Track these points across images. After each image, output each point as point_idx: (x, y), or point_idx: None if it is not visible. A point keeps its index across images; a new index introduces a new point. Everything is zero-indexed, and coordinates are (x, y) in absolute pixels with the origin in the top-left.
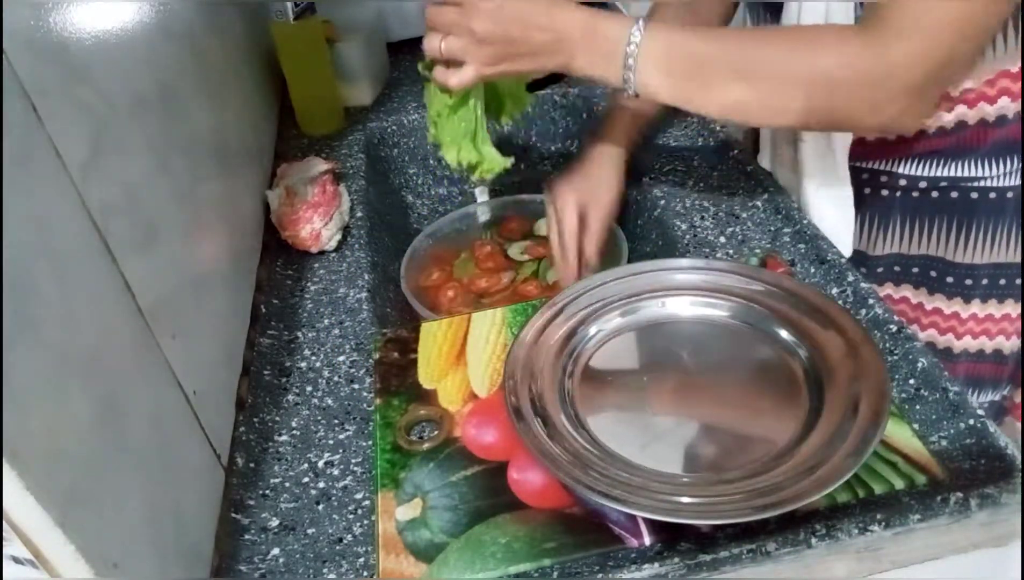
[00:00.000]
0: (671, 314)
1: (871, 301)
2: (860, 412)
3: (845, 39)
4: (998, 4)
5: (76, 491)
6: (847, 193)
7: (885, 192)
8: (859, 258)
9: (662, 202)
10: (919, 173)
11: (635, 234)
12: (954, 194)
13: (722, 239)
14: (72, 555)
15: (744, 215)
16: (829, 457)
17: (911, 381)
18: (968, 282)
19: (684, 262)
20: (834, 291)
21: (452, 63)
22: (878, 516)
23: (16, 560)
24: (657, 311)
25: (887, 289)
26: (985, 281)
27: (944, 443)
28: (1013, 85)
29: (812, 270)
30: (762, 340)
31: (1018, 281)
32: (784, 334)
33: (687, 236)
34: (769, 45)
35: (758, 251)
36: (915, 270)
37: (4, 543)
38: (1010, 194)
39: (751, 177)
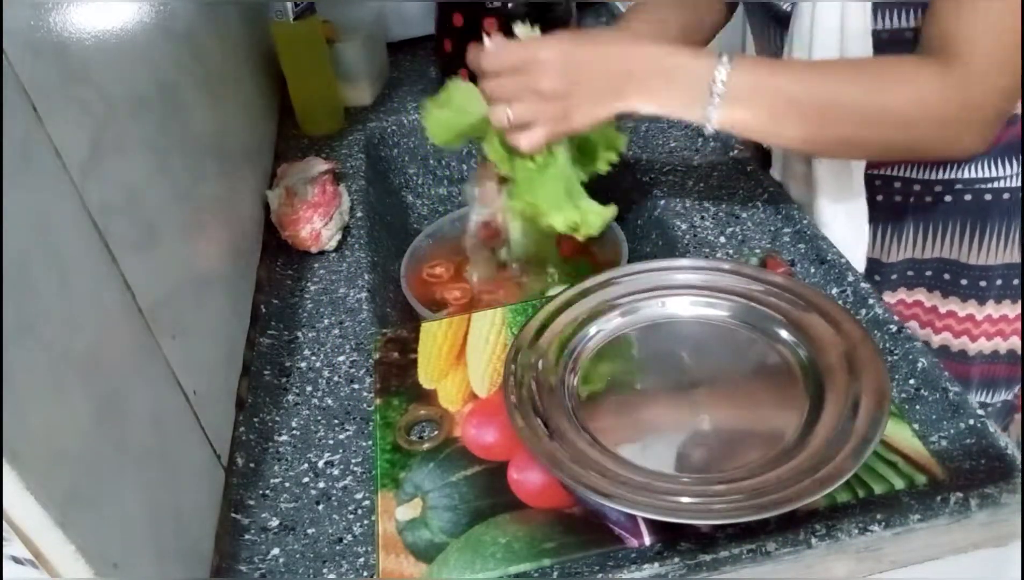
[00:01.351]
0: (671, 314)
1: (871, 301)
2: (860, 412)
3: (923, 77)
4: None
5: (76, 491)
6: (862, 207)
7: (899, 198)
8: (873, 266)
9: (662, 202)
10: (933, 177)
11: (635, 234)
12: (968, 197)
13: (722, 239)
14: (72, 555)
15: (744, 215)
16: (829, 457)
17: (911, 381)
18: (982, 284)
19: (684, 262)
20: (834, 291)
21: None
22: (878, 516)
23: (16, 560)
24: (657, 311)
25: (900, 294)
26: (999, 281)
27: (944, 443)
28: None
29: (812, 270)
30: (762, 340)
31: None
32: (784, 334)
33: (687, 236)
34: (851, 83)
35: (758, 251)
36: (928, 274)
37: (4, 543)
38: (1022, 194)
39: (751, 177)
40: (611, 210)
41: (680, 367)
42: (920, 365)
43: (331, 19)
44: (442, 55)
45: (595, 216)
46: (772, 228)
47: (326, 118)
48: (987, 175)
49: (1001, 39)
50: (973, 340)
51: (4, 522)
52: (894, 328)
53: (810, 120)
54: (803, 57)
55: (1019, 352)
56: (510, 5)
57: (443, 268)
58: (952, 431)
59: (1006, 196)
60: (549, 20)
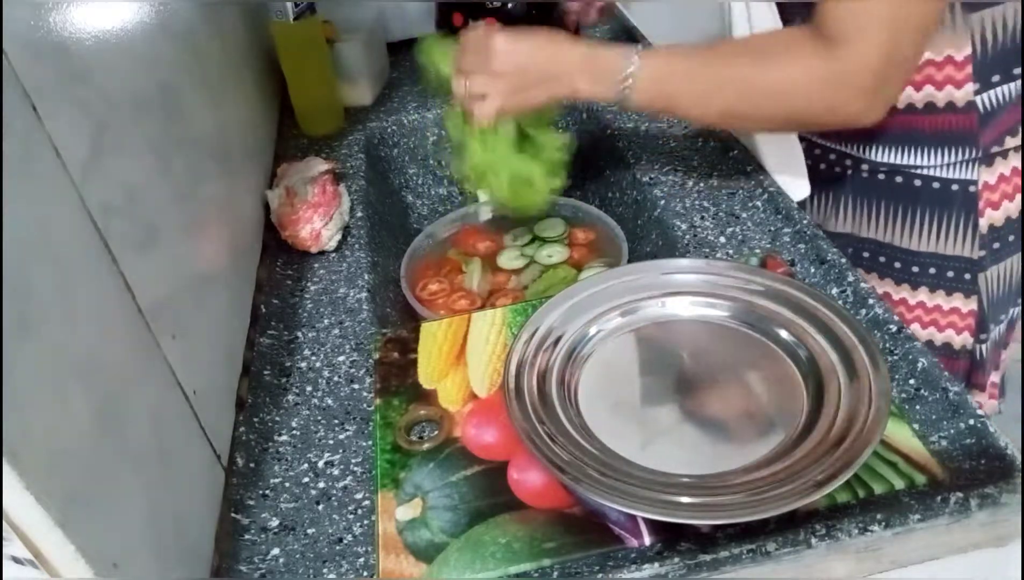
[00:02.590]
0: (671, 314)
1: (871, 301)
2: (860, 412)
3: (800, 47)
4: (930, 3)
5: (76, 491)
6: (799, 159)
7: (837, 169)
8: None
9: (662, 202)
10: (864, 156)
11: (635, 234)
12: (898, 179)
13: (722, 239)
14: (72, 555)
15: (744, 215)
16: (829, 457)
17: (911, 381)
18: (914, 269)
19: (684, 262)
20: (834, 291)
21: (476, 100)
22: (878, 516)
23: (16, 560)
24: (657, 311)
25: None
26: (932, 270)
27: (944, 443)
28: (937, 74)
29: (812, 270)
30: (762, 340)
31: (966, 276)
32: (784, 334)
33: (687, 236)
34: (739, 59)
35: (758, 251)
36: (866, 255)
37: (4, 543)
38: (955, 187)
39: (751, 177)
40: (562, 138)
41: (680, 367)
42: (920, 365)
43: (331, 19)
44: None
45: (540, 193)
46: (772, 228)
47: (326, 118)
48: (915, 162)
49: (871, 13)
50: (907, 325)
51: (4, 522)
52: (894, 328)
53: (701, 96)
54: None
55: (955, 346)
56: (510, 5)
57: (437, 284)
58: (952, 431)
59: (936, 185)
60: (549, 20)
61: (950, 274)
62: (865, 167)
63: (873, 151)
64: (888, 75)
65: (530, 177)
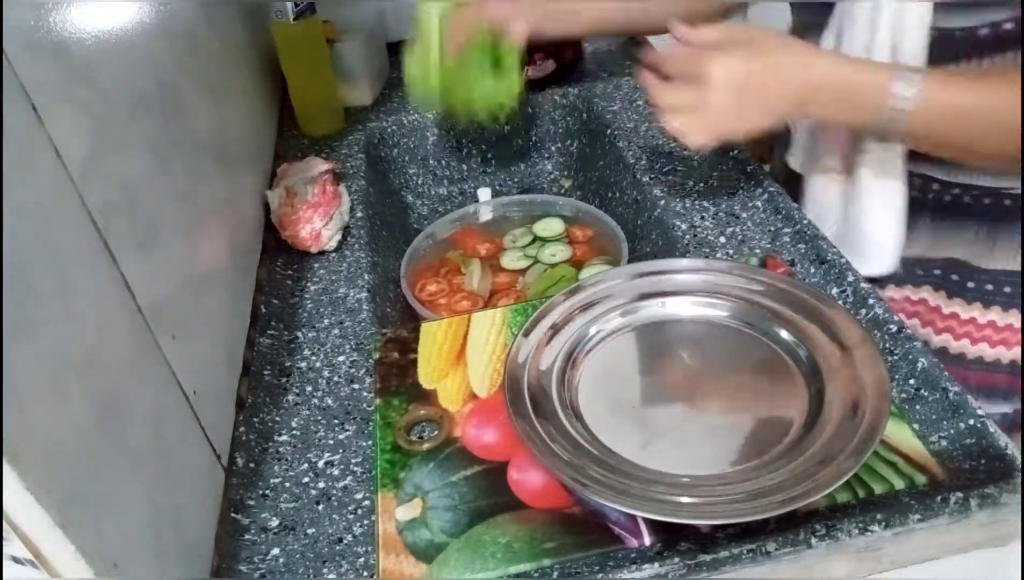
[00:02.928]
0: (671, 314)
1: (871, 301)
2: (860, 412)
3: None
4: None
5: (76, 491)
6: (901, 202)
7: (916, 193)
8: None
9: (662, 202)
10: (959, 180)
11: (635, 234)
12: (987, 201)
13: (722, 239)
14: (72, 555)
15: (744, 215)
16: (829, 457)
17: (911, 381)
18: (989, 287)
19: (684, 262)
20: (834, 291)
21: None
22: (878, 516)
23: (16, 560)
24: (657, 311)
25: (906, 290)
26: (1007, 289)
27: (944, 443)
28: None
29: (812, 270)
30: (762, 340)
31: None
32: (784, 334)
33: (687, 236)
34: (1013, 92)
35: (758, 251)
36: (937, 273)
37: (4, 543)
38: None
39: (751, 177)
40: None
41: (680, 367)
42: (920, 365)
43: (331, 19)
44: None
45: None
46: (772, 228)
47: (326, 118)
48: (1009, 184)
49: None
50: (974, 343)
51: (4, 522)
52: (894, 328)
53: (986, 138)
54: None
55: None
56: None
57: (435, 285)
58: (952, 431)
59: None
60: None
61: None
62: (956, 190)
63: (972, 176)
64: None
65: (495, 94)
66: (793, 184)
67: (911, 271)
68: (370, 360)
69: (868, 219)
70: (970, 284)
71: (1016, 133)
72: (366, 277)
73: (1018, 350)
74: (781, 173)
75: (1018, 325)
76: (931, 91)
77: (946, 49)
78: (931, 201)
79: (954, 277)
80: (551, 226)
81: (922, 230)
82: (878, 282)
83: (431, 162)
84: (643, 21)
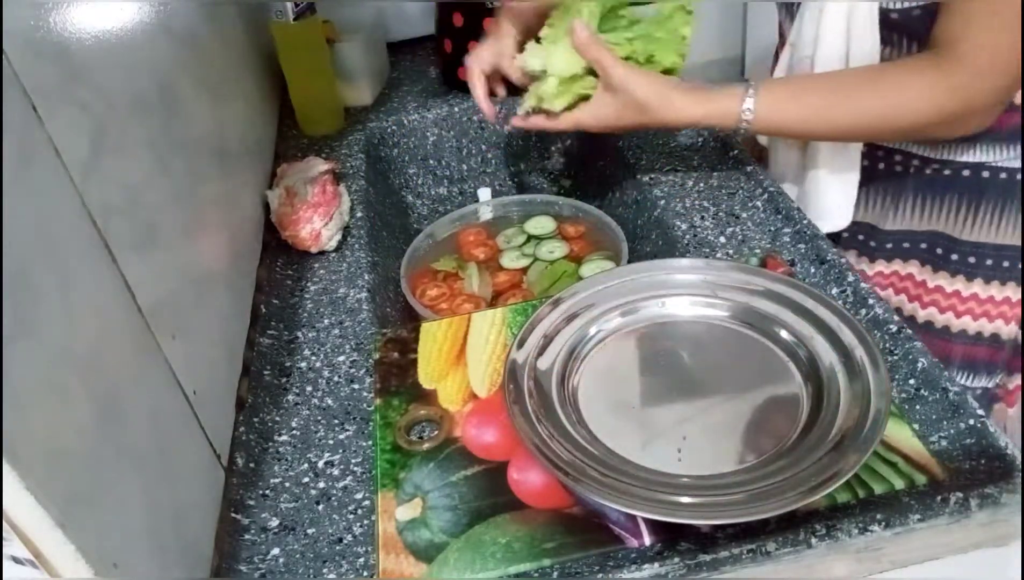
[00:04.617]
0: (671, 314)
1: (871, 301)
2: (860, 412)
3: (929, 82)
4: None
5: (76, 491)
6: (855, 177)
7: (899, 168)
8: (870, 231)
9: (662, 202)
10: (938, 156)
11: (635, 234)
12: (966, 173)
13: (722, 239)
14: (72, 555)
15: (744, 215)
16: (829, 457)
17: (911, 381)
18: (971, 260)
19: (684, 262)
20: (834, 291)
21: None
22: (878, 516)
23: (16, 560)
24: (657, 311)
25: (895, 265)
26: (989, 261)
27: (944, 443)
28: None
29: (812, 270)
30: (762, 340)
31: (1021, 265)
32: (784, 334)
33: (687, 236)
34: (864, 95)
35: (758, 251)
36: (923, 246)
37: (4, 543)
38: (1020, 176)
39: (751, 177)
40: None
41: (680, 367)
42: (920, 365)
43: (331, 19)
44: (442, 55)
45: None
46: (772, 228)
47: (326, 118)
48: (988, 159)
49: (1000, 43)
50: (958, 317)
51: (4, 522)
52: (894, 328)
53: (831, 131)
54: (810, 39)
55: (1002, 337)
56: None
57: (436, 290)
58: (952, 431)
59: (1003, 175)
60: None
61: (1006, 264)
62: (935, 165)
63: (950, 152)
64: (1009, 97)
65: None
66: (760, 156)
67: (899, 245)
68: (370, 360)
69: (823, 181)
70: (953, 256)
71: (842, 125)
72: (366, 277)
73: (999, 323)
74: (753, 148)
75: (999, 297)
76: (761, 107)
77: (885, 28)
78: (912, 175)
79: (938, 250)
80: (542, 224)
81: (906, 203)
82: (868, 257)
83: (431, 162)
84: None
